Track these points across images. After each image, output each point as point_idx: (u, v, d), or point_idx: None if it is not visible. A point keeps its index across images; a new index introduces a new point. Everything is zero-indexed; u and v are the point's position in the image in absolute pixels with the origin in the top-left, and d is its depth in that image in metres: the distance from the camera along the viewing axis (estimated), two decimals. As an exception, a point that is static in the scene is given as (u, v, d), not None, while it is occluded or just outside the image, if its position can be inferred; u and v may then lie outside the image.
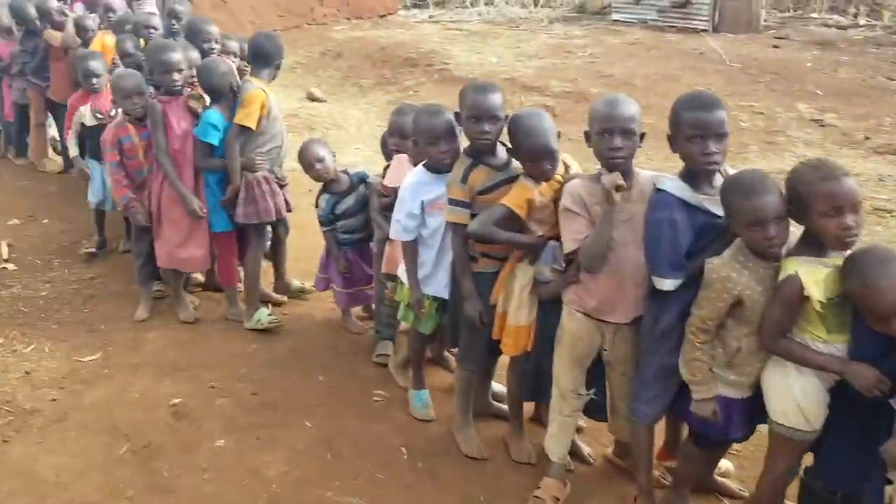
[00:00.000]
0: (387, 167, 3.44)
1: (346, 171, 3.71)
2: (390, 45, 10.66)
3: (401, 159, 3.22)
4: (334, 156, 3.67)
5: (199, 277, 4.22)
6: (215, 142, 3.56)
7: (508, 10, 13.40)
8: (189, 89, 3.71)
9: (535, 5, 13.57)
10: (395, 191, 3.11)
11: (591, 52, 9.19)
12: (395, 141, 3.33)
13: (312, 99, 8.89)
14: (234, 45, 4.36)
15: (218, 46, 4.12)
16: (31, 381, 3.33)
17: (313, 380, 3.34)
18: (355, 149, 6.89)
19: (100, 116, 4.41)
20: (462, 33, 11.30)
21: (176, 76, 3.58)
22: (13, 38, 6.17)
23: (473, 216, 2.64)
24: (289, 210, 3.84)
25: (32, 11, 5.78)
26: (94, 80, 4.42)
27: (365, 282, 3.78)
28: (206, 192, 3.68)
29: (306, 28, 12.09)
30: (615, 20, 11.72)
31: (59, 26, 5.75)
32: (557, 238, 2.59)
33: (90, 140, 4.42)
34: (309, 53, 10.68)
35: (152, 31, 5.27)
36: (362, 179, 3.70)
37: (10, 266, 4.61)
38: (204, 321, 3.89)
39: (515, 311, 2.69)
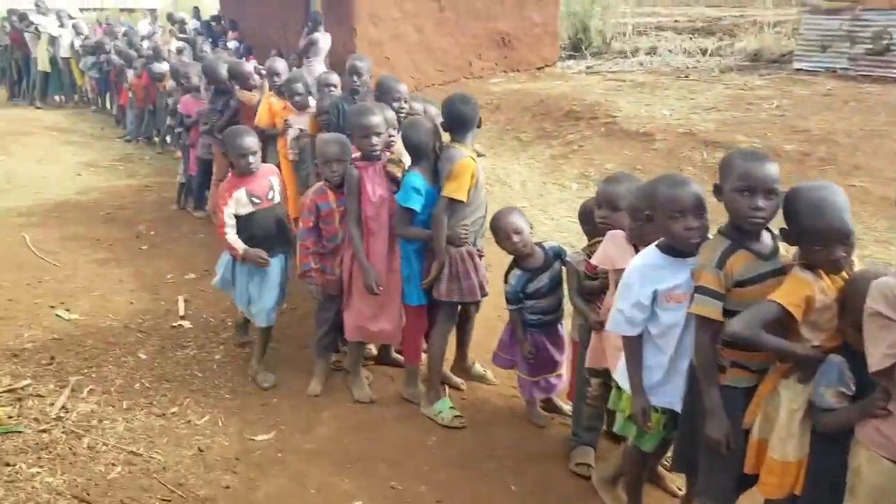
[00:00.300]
0: (593, 244, 3.01)
1: (541, 245, 3.31)
2: (550, 97, 10.32)
3: (615, 236, 2.77)
4: (531, 227, 3.29)
5: (372, 350, 3.95)
6: (418, 207, 3.28)
7: (674, 59, 12.70)
8: (387, 153, 3.49)
9: (704, 54, 12.78)
10: (612, 273, 2.69)
11: (778, 105, 8.34)
12: (605, 214, 2.89)
13: (479, 154, 8.69)
14: (418, 107, 4.15)
15: (407, 106, 3.91)
16: (204, 460, 3.14)
17: (504, 488, 2.90)
18: (521, 206, 6.52)
19: (257, 201, 3.66)
20: (626, 84, 10.77)
21: (375, 140, 3.38)
22: (200, 97, 6.44)
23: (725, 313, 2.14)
24: (484, 294, 3.47)
25: (224, 72, 5.98)
26: (251, 160, 3.63)
27: (551, 368, 3.35)
28: (403, 262, 3.42)
29: (464, 82, 12.06)
30: (797, 69, 10.71)
31: (250, 87, 5.90)
32: (837, 350, 2.05)
33: (246, 229, 3.68)
34: (468, 107, 10.57)
35: (332, 88, 5.28)
36: (558, 255, 3.29)
37: (186, 324, 4.59)
38: (378, 401, 3.59)
39: (781, 443, 2.12)
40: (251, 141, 3.65)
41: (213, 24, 14.44)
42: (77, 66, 12.77)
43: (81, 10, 16.48)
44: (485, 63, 12.32)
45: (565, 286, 3.23)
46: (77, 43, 12.64)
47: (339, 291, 3.57)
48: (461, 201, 3.21)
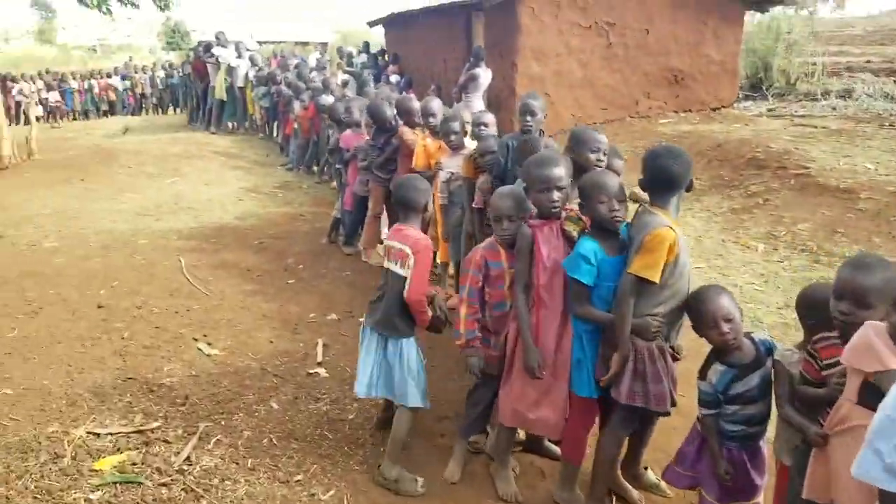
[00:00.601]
0: (819, 340, 2.32)
1: (749, 337, 2.62)
2: (729, 141, 9.36)
3: (878, 328, 2.04)
4: (741, 312, 2.61)
5: (521, 433, 3.39)
6: (586, 280, 2.74)
7: (873, 103, 11.23)
8: (566, 211, 2.98)
9: (910, 99, 11.22)
10: (856, 376, 2.01)
11: None
12: (848, 309, 2.18)
13: (635, 200, 7.96)
14: (619, 164, 3.60)
15: (605, 160, 3.37)
16: (324, 549, 2.73)
17: None
18: (697, 268, 5.73)
19: None
20: (818, 131, 9.57)
21: (556, 196, 2.87)
22: (360, 131, 6.31)
23: None
24: (674, 404, 2.80)
25: (389, 112, 5.79)
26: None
27: (748, 495, 2.65)
28: (574, 343, 2.87)
29: (629, 121, 11.34)
30: None
31: (414, 124, 5.67)
32: None
33: None
34: (633, 149, 9.82)
35: (483, 128, 4.89)
36: (770, 351, 2.59)
37: (322, 372, 4.29)
38: (525, 503, 3.02)
39: None
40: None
41: (379, 57, 14.76)
42: (251, 95, 13.45)
43: (259, 42, 17.51)
44: (653, 102, 11.54)
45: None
46: (251, 73, 13.33)
47: (501, 370, 3.06)
48: (653, 283, 2.61)
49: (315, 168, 10.21)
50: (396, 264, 3.15)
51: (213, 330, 4.81)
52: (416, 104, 5.69)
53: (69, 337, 4.62)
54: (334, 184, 9.29)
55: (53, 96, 20.37)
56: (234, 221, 7.81)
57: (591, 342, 2.85)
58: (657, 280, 2.61)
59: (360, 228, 6.35)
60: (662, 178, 2.70)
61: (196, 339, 4.65)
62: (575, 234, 2.88)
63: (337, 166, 7.02)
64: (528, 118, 4.42)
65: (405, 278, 3.08)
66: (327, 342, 4.68)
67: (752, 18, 14.55)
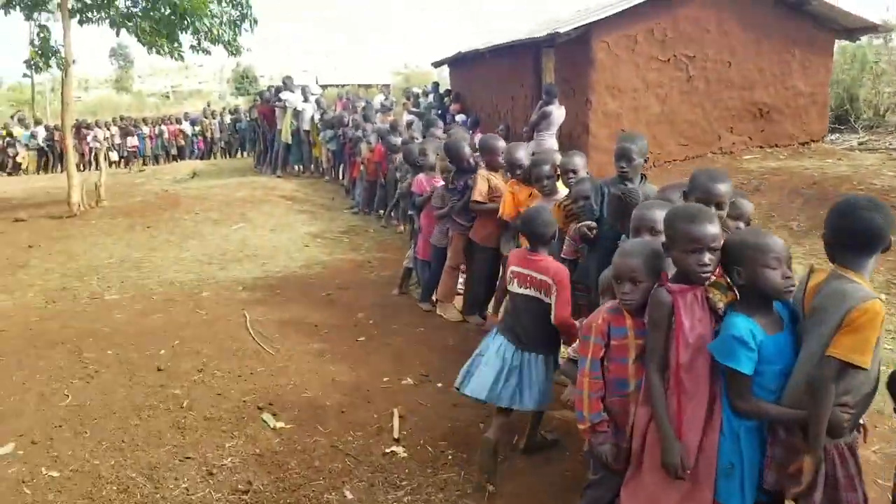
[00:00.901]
0: None
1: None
2: (826, 178, 8.58)
3: None
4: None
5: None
6: (747, 370, 2.17)
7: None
8: (714, 276, 2.42)
9: None
10: None
11: None
12: None
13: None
14: (748, 207, 3.03)
15: (724, 212, 2.81)
16: None
17: None
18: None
19: None
20: (928, 166, 8.71)
21: (707, 258, 2.32)
22: (434, 175, 5.86)
23: None
24: None
25: (468, 151, 5.34)
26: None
27: None
28: (725, 443, 2.27)
29: (710, 157, 10.63)
30: None
31: (497, 165, 5.23)
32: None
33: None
34: (720, 187, 9.14)
35: (572, 175, 4.43)
36: None
37: (400, 451, 3.77)
38: None
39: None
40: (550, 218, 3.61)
41: (445, 97, 14.54)
42: (317, 138, 13.34)
43: (323, 86, 17.60)
44: (737, 137, 10.81)
45: None
46: (317, 117, 13.24)
47: (626, 464, 2.49)
48: (864, 369, 2.04)
49: (382, 212, 9.86)
50: (530, 289, 3.42)
51: (279, 397, 4.36)
52: (502, 143, 5.20)
53: (125, 406, 4.25)
54: (401, 228, 8.92)
55: (130, 142, 20.85)
56: (299, 270, 7.46)
57: (751, 442, 2.26)
58: (869, 366, 2.05)
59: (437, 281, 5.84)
60: (861, 235, 2.13)
61: (260, 409, 4.21)
62: (721, 305, 2.31)
63: (409, 212, 6.57)
64: (624, 164, 3.89)
65: (546, 303, 3.35)
66: (404, 413, 4.16)
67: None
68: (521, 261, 3.50)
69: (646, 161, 4.03)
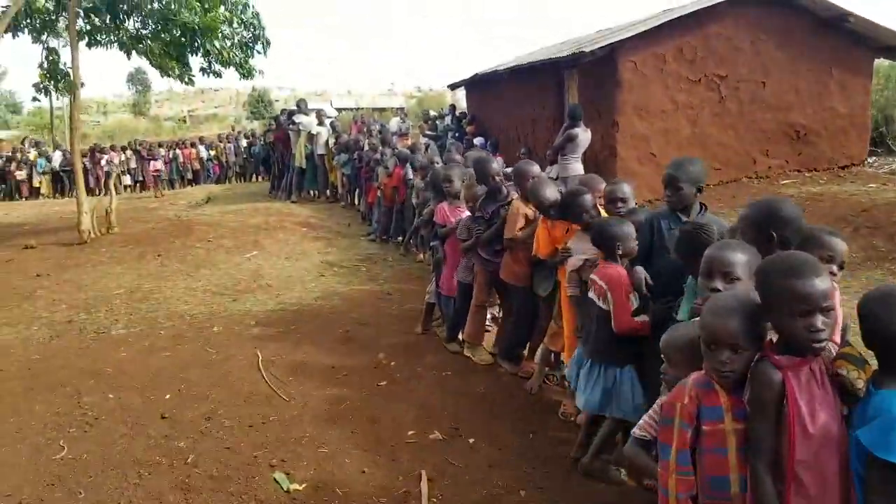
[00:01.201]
0: None
1: None
2: (876, 205, 8.08)
3: None
4: None
5: None
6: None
7: None
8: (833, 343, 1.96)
9: None
10: None
11: None
12: None
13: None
14: (841, 247, 2.57)
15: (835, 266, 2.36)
16: None
17: None
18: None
19: None
20: (982, 191, 8.19)
21: (820, 322, 1.85)
22: (459, 204, 5.40)
23: None
24: None
25: (496, 167, 4.90)
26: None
27: None
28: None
29: (745, 182, 10.18)
30: None
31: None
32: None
33: None
34: (758, 214, 8.65)
35: (620, 205, 3.98)
36: None
37: (431, 523, 3.30)
38: None
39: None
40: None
41: (462, 120, 14.23)
42: (332, 163, 13.02)
43: (338, 109, 17.35)
44: (773, 160, 10.35)
45: None
46: (331, 141, 12.93)
47: None
48: None
49: (400, 239, 9.43)
50: (598, 299, 3.42)
51: (293, 453, 3.92)
52: (537, 168, 4.73)
53: (124, 461, 3.83)
54: (421, 257, 8.48)
55: (154, 165, 20.53)
56: (315, 302, 7.04)
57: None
58: None
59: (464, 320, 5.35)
60: None
61: (272, 466, 3.77)
62: (859, 383, 1.85)
63: (432, 243, 6.11)
64: (670, 193, 3.47)
65: (607, 311, 3.35)
66: (432, 474, 3.69)
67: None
68: (597, 270, 3.60)
69: (699, 190, 3.57)
